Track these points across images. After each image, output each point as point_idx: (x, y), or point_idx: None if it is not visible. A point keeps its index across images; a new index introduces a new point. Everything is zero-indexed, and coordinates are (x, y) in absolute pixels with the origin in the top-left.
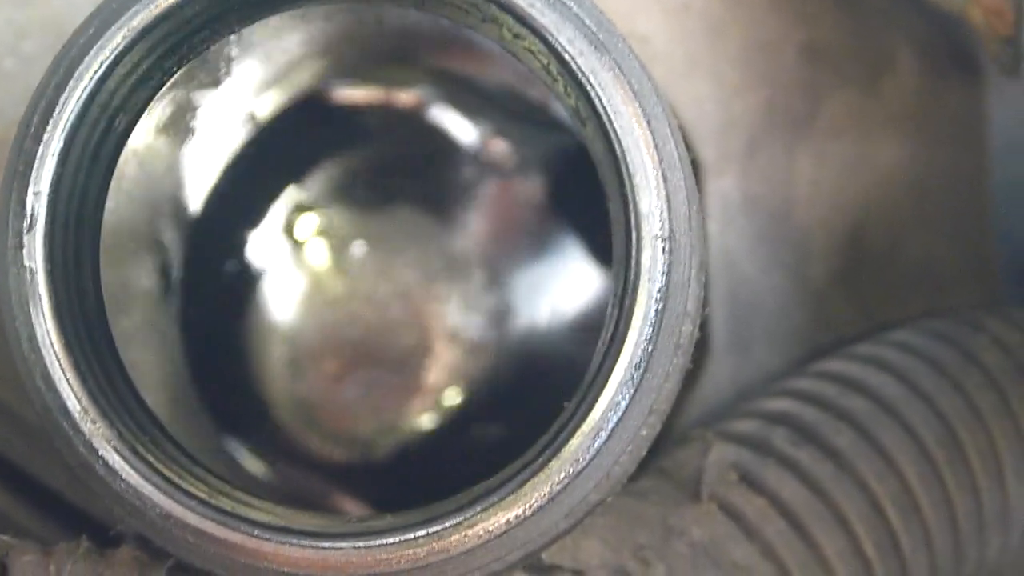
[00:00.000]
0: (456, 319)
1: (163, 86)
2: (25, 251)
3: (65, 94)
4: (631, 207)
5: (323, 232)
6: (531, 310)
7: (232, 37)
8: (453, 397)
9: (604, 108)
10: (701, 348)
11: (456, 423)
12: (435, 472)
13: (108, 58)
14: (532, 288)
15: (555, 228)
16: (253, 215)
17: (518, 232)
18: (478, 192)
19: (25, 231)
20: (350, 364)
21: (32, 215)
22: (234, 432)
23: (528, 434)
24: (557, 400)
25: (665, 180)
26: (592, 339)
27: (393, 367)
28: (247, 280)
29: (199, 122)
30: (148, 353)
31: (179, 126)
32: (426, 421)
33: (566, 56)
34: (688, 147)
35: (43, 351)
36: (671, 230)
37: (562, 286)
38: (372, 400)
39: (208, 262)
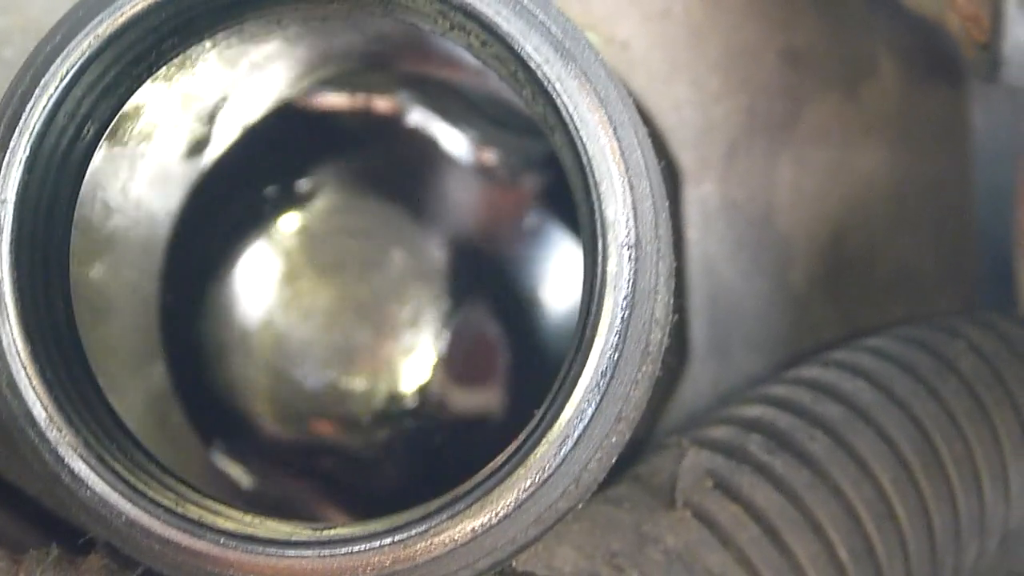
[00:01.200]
0: (441, 323)
1: (132, 94)
2: None
3: (31, 102)
4: (597, 215)
5: (305, 238)
6: (516, 312)
7: (207, 44)
8: (439, 401)
9: (570, 116)
10: (681, 354)
11: (443, 427)
12: (421, 476)
13: (74, 66)
14: (516, 290)
15: (538, 230)
16: (235, 222)
17: (501, 234)
18: (461, 196)
19: None
20: (334, 370)
21: None
22: (218, 443)
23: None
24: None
25: (631, 188)
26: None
27: (377, 371)
28: (228, 287)
29: (176, 130)
30: (128, 365)
31: (156, 135)
32: (411, 424)
33: (531, 64)
34: (666, 153)
35: (9, 359)
36: (637, 238)
37: (547, 288)
38: (357, 404)
39: (188, 270)
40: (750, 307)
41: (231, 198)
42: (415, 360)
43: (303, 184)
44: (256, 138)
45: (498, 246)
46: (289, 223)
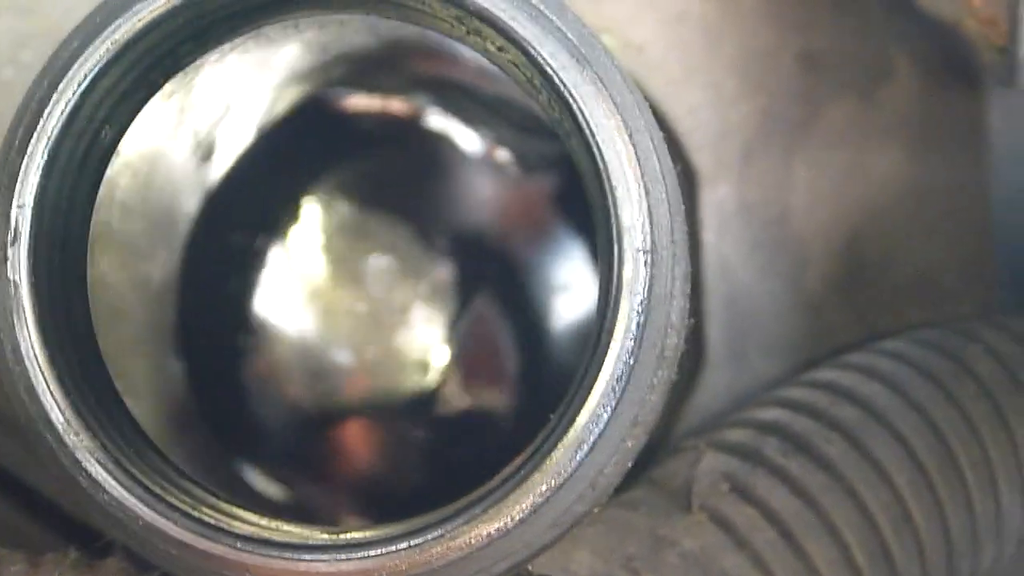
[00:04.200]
0: (452, 324)
1: (150, 98)
2: (9, 264)
3: (49, 107)
4: (613, 220)
5: (319, 239)
6: (533, 316)
7: (226, 46)
8: (459, 406)
9: (586, 122)
10: (697, 357)
11: (462, 432)
12: (432, 478)
13: (92, 71)
14: (528, 291)
15: (553, 233)
16: (252, 224)
17: (517, 238)
18: (474, 196)
19: (9, 244)
20: (346, 371)
21: (16, 228)
22: (234, 446)
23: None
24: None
25: (647, 193)
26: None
27: (391, 372)
28: (246, 290)
29: (195, 132)
30: (144, 367)
31: (175, 136)
32: (430, 431)
33: (548, 70)
34: (682, 156)
35: (27, 363)
36: (653, 243)
37: (562, 292)
38: (369, 406)
39: (206, 272)
40: (766, 310)
41: (246, 200)
42: (428, 361)
43: (318, 185)
44: (271, 140)
45: (511, 247)
46: (304, 224)
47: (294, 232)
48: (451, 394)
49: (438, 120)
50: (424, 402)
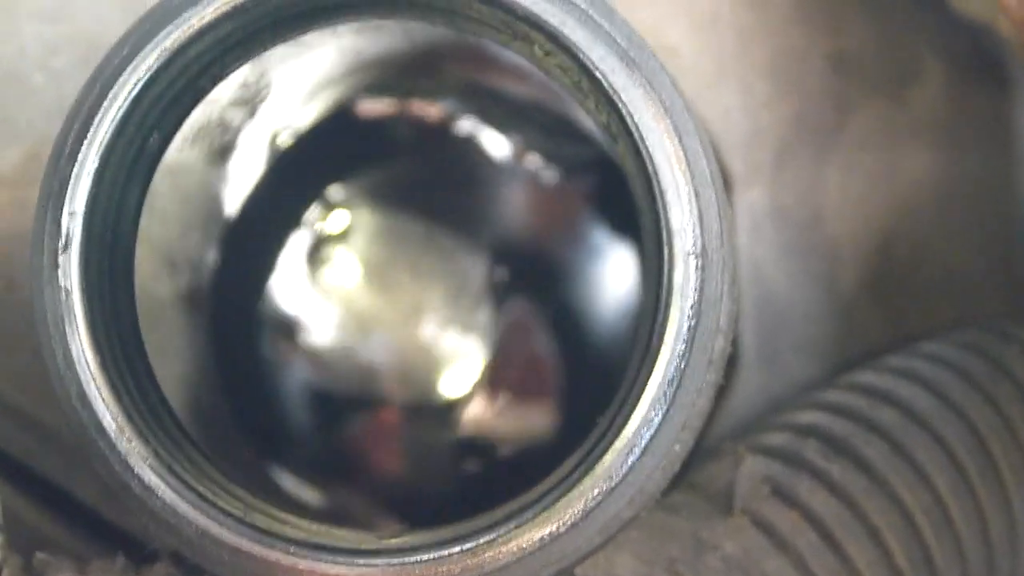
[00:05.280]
0: (490, 332)
1: (197, 104)
2: (60, 271)
3: (100, 114)
4: (663, 223)
5: (354, 247)
6: (564, 321)
7: (264, 53)
8: (493, 410)
9: (635, 125)
10: (731, 361)
11: (492, 437)
12: (471, 487)
13: (143, 78)
14: (565, 299)
15: (586, 237)
16: (284, 230)
17: (547, 241)
18: (507, 202)
19: (60, 251)
20: (380, 378)
21: (67, 235)
22: (266, 450)
23: (568, 446)
24: (596, 412)
25: (697, 196)
26: (629, 349)
27: (432, 379)
28: (277, 297)
29: (231, 137)
30: (177, 372)
31: (211, 141)
32: (462, 436)
33: (597, 73)
34: (717, 159)
35: (78, 369)
36: (703, 246)
37: (595, 296)
38: (401, 413)
39: (238, 277)
40: (799, 312)
41: (279, 204)
42: (462, 365)
43: (350, 190)
44: (304, 144)
45: (544, 251)
46: (337, 229)
47: (327, 237)
48: (486, 398)
49: (468, 124)
50: (458, 406)
